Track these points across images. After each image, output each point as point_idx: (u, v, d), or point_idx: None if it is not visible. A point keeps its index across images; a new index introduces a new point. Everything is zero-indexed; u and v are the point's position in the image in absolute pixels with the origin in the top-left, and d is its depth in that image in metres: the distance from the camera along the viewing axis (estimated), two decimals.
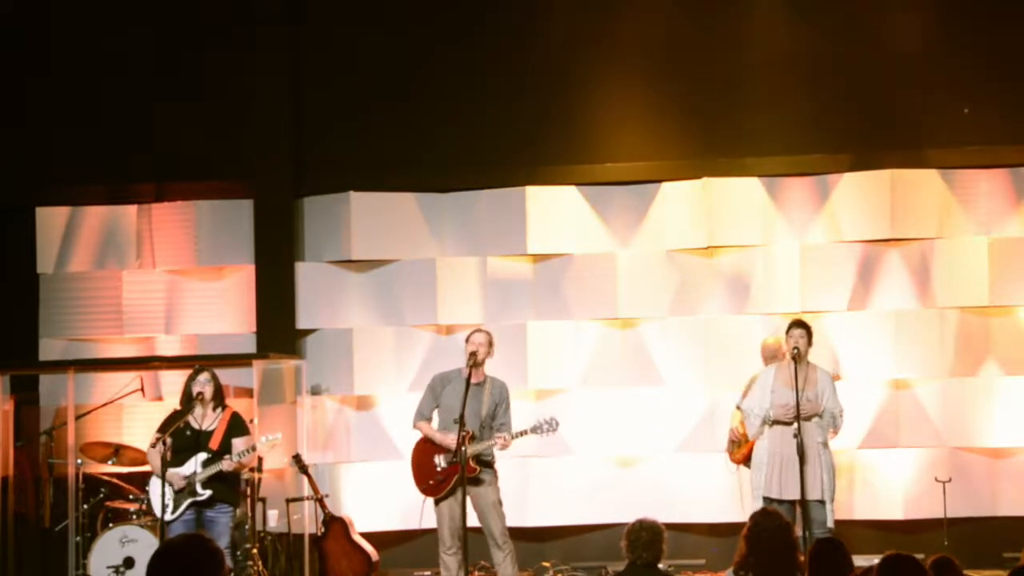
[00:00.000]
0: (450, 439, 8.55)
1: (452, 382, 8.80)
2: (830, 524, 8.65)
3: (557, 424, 8.74)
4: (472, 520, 8.62)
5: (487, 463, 8.73)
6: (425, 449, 8.80)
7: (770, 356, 9.68)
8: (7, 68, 11.18)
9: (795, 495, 8.57)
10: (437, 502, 8.70)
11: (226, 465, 8.44)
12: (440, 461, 8.67)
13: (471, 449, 8.46)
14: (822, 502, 8.63)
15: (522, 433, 8.67)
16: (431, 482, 8.68)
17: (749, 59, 10.83)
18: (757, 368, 9.75)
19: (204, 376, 8.66)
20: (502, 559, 8.73)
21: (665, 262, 10.85)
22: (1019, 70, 10.61)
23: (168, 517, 8.38)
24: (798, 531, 8.32)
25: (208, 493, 8.45)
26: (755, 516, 6.38)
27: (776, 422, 8.68)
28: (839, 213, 10.73)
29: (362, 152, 11.10)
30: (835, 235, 10.74)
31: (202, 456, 8.49)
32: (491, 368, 8.96)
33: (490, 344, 8.80)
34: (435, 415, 8.90)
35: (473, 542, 8.71)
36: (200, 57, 11.09)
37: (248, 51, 10.99)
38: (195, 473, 8.44)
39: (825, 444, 8.72)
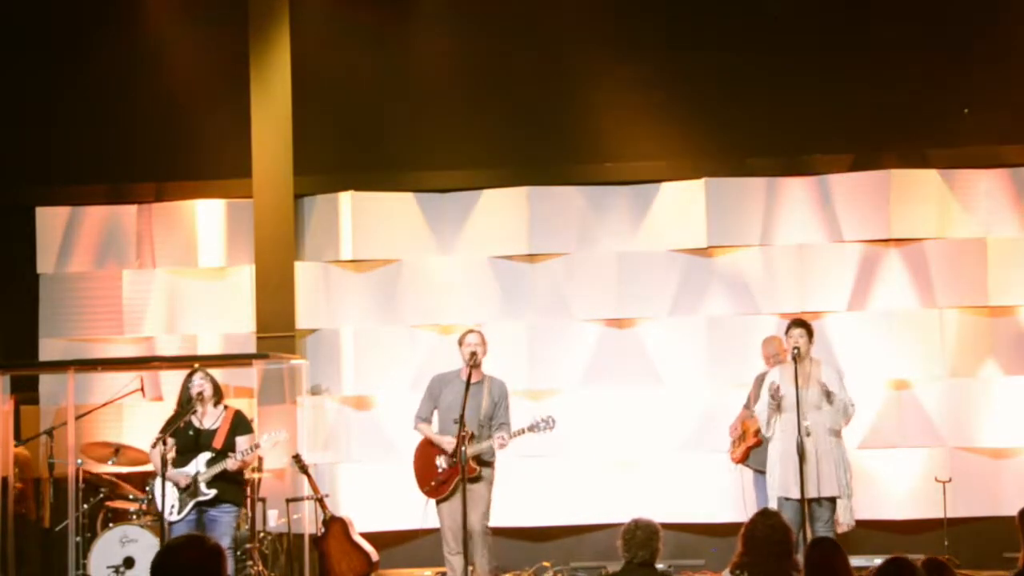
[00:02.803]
0: (448, 440, 8.62)
1: (451, 383, 8.82)
2: (851, 521, 8.63)
3: (554, 422, 8.74)
4: None
5: (487, 463, 8.74)
6: (426, 451, 8.83)
7: (771, 355, 9.70)
8: (7, 68, 11.18)
9: (808, 493, 8.53)
10: (439, 503, 8.72)
11: (231, 464, 8.42)
12: (441, 462, 8.70)
13: (471, 450, 8.48)
14: (834, 500, 8.59)
15: (519, 432, 8.69)
16: (433, 483, 8.71)
17: (748, 59, 10.82)
18: (757, 368, 9.77)
19: (199, 376, 8.65)
20: (479, 555, 8.72)
21: (665, 262, 10.85)
22: (1019, 70, 10.61)
23: (174, 518, 8.38)
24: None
25: (212, 492, 8.44)
26: (754, 516, 6.39)
27: (775, 399, 8.66)
28: (839, 213, 10.73)
29: (362, 152, 11.11)
30: (835, 235, 10.74)
31: (205, 456, 8.48)
32: (491, 366, 8.98)
33: (484, 343, 8.85)
34: (435, 416, 8.92)
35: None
36: (199, 56, 11.09)
37: (247, 50, 10.97)
38: (199, 473, 8.44)
39: (838, 437, 8.69)
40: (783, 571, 6.07)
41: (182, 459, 8.47)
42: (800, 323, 8.93)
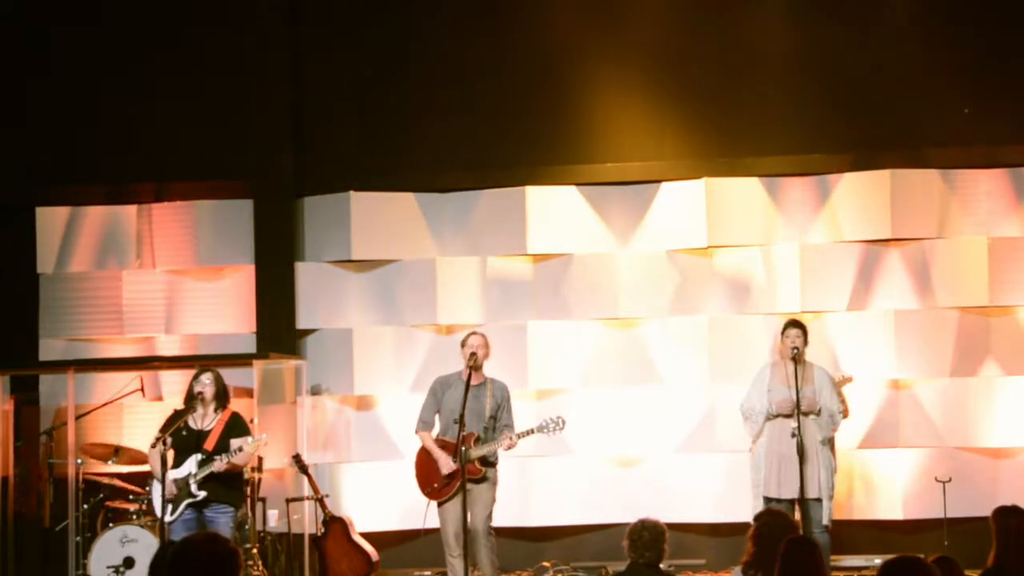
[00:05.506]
0: (445, 456, 8.66)
1: (452, 386, 8.84)
2: (826, 522, 8.67)
3: (564, 422, 8.74)
4: None
5: (491, 463, 8.75)
6: (428, 454, 8.83)
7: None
8: (7, 68, 11.18)
9: (794, 494, 8.59)
10: (440, 505, 8.72)
11: (216, 466, 8.38)
12: (444, 465, 8.68)
13: (477, 451, 8.52)
14: (819, 500, 8.65)
15: (528, 432, 8.70)
16: (435, 485, 8.72)
17: (749, 59, 10.83)
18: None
19: (207, 376, 8.63)
20: (483, 555, 8.73)
21: (665, 262, 10.85)
22: (1019, 70, 10.61)
23: (167, 518, 8.36)
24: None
25: (203, 494, 8.42)
26: (761, 516, 6.41)
27: (778, 414, 8.67)
28: (839, 213, 10.73)
29: (362, 152, 11.11)
30: (835, 235, 10.74)
31: (198, 457, 8.47)
32: (491, 367, 8.99)
33: (486, 345, 8.85)
34: (436, 419, 8.93)
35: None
36: (200, 57, 11.09)
37: (248, 50, 10.98)
38: (190, 474, 8.42)
39: (824, 442, 8.74)
40: None
41: (179, 459, 8.46)
42: (796, 323, 8.95)
